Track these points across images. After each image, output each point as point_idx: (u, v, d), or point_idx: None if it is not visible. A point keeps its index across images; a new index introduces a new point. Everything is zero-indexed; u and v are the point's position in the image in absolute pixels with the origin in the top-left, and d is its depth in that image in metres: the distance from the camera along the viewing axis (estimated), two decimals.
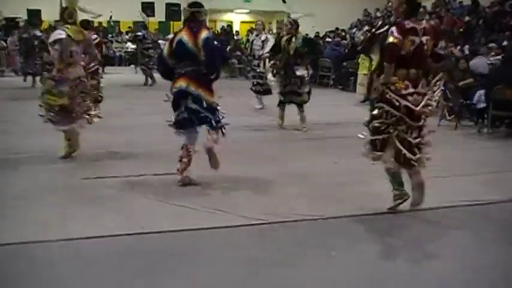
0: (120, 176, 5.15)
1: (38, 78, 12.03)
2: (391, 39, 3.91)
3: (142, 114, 8.84)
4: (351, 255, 3.51)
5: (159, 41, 14.61)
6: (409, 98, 3.97)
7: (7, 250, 3.45)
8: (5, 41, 16.32)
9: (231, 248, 3.58)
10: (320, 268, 3.31)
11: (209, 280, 3.12)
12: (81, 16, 6.01)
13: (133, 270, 3.20)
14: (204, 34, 4.72)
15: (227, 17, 25.17)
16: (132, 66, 16.93)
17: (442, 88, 8.99)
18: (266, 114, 9.26)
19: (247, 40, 10.83)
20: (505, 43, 11.31)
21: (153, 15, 17.63)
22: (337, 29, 18.92)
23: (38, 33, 13.71)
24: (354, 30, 19.07)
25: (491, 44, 11.07)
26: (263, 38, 9.96)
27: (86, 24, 6.85)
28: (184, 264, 3.29)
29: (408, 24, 3.96)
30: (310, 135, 7.64)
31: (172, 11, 17.91)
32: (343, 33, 18.38)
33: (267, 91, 9.61)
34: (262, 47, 9.72)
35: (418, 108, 3.97)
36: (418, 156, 4.05)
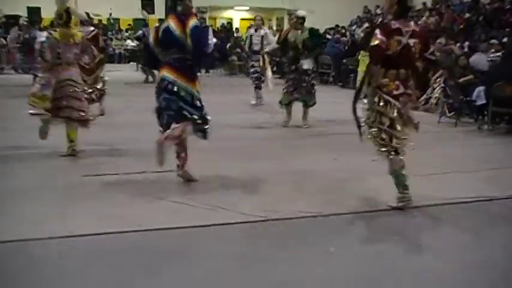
0: (120, 173, 5.16)
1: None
2: (374, 41, 3.97)
3: (142, 111, 8.80)
4: (350, 252, 3.50)
5: None
6: (400, 99, 4.06)
7: (6, 247, 3.44)
8: (5, 39, 16.31)
9: (230, 244, 3.58)
10: (319, 265, 3.31)
11: (207, 276, 3.12)
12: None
13: (133, 266, 3.20)
14: (192, 22, 4.55)
15: (227, 14, 25.16)
16: (132, 63, 16.91)
17: (442, 85, 9.11)
18: (266, 111, 9.25)
19: (247, 37, 10.80)
20: (505, 40, 11.30)
21: (153, 13, 17.63)
22: (337, 26, 18.88)
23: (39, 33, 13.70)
24: (353, 27, 19.04)
25: (492, 41, 11.05)
26: (262, 33, 9.93)
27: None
28: (184, 263, 3.29)
29: (394, 24, 4.01)
30: (310, 132, 7.64)
31: None
32: (343, 30, 18.34)
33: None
34: (261, 42, 9.73)
35: (405, 117, 4.10)
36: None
